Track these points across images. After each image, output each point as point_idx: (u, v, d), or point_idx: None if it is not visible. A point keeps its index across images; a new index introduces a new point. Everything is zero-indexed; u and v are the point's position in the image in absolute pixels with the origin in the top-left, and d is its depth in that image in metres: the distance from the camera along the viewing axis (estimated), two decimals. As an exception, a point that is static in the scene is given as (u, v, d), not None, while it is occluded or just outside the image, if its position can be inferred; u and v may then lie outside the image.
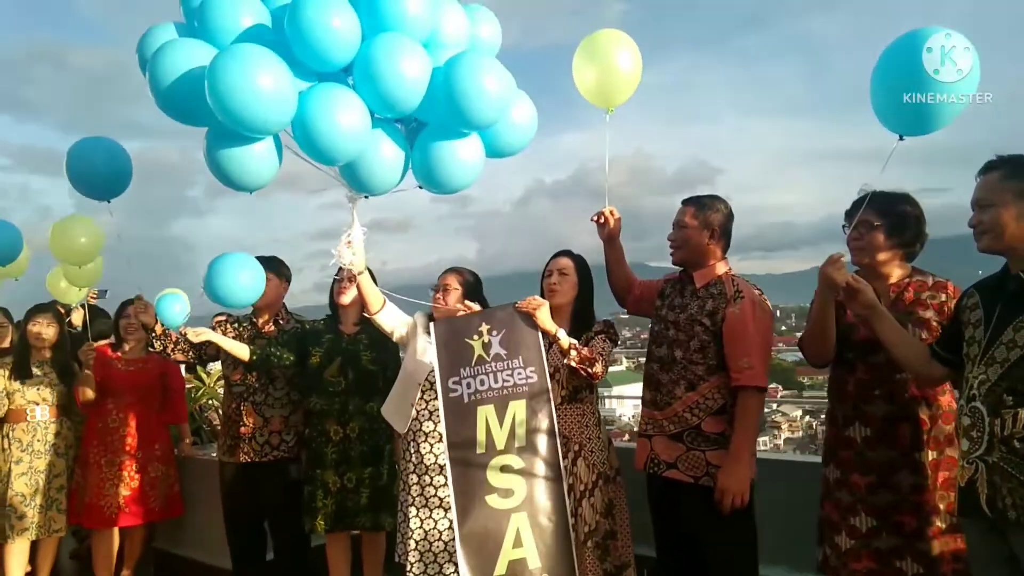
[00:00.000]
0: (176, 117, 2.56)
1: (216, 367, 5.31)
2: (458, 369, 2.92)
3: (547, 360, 2.96)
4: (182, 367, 4.93)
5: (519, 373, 2.91)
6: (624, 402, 20.10)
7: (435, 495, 3.29)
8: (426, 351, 3.34)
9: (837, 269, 2.49)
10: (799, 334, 3.02)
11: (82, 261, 4.31)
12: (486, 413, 2.87)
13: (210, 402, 5.57)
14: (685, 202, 3.06)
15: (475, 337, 2.96)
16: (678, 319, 2.98)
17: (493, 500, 2.80)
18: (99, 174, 3.26)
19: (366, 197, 2.94)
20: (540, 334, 2.96)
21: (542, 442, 2.87)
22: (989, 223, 2.18)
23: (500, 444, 2.84)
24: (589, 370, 2.96)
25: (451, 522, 3.17)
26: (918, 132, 2.38)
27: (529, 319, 2.96)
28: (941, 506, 2.50)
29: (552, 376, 2.99)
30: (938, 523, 2.50)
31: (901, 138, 2.39)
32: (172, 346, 3.98)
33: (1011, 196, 2.15)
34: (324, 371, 3.76)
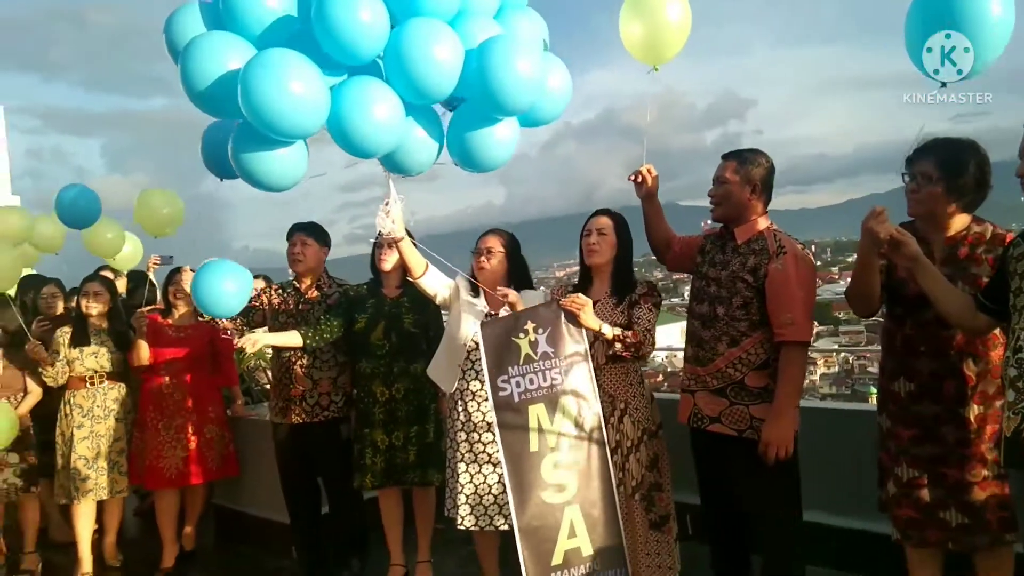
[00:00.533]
0: (212, 113, 2.58)
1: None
2: (507, 368, 2.96)
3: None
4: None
5: (567, 370, 2.96)
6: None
7: (484, 451, 3.38)
8: (469, 315, 3.40)
9: (880, 223, 2.45)
10: (834, 269, 3.00)
11: (163, 232, 4.50)
12: (537, 412, 2.93)
13: (258, 362, 5.72)
14: (726, 156, 3.04)
15: (521, 336, 2.98)
16: (720, 276, 2.99)
17: (548, 495, 2.90)
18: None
19: (402, 176, 2.97)
20: (584, 330, 2.99)
21: (592, 434, 2.95)
22: None
23: (552, 442, 2.92)
24: (637, 354, 3.01)
25: (500, 476, 3.29)
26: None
27: (571, 316, 2.97)
28: (989, 457, 2.52)
29: (596, 338, 3.03)
30: (984, 472, 2.52)
31: (943, 85, 2.35)
32: None
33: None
34: (370, 335, 3.86)
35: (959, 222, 2.60)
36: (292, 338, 3.89)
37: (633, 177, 3.27)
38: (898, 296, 2.68)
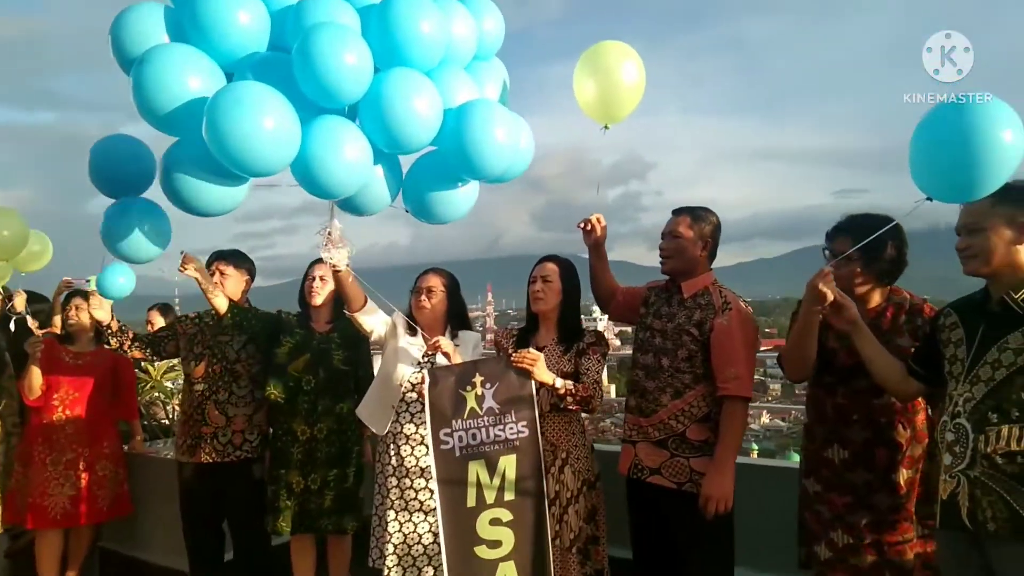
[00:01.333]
0: (163, 131, 2.42)
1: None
2: (450, 421, 2.92)
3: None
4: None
5: (511, 428, 2.94)
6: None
7: (415, 498, 3.26)
8: (406, 355, 3.30)
9: (827, 284, 2.50)
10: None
11: (9, 256, 4.13)
12: (477, 467, 2.91)
13: (157, 396, 5.37)
14: (677, 212, 3.09)
15: (468, 388, 2.95)
16: (665, 328, 3.03)
17: (482, 551, 2.89)
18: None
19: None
20: (533, 384, 2.96)
21: (530, 495, 2.92)
22: (978, 247, 2.24)
23: (490, 498, 2.90)
24: (587, 407, 3.01)
25: (431, 525, 3.18)
26: (954, 199, 2.26)
27: (522, 371, 2.94)
28: (915, 518, 2.62)
29: (541, 386, 3.00)
30: (913, 533, 2.62)
31: (929, 199, 2.27)
32: (129, 343, 3.85)
33: (1001, 221, 2.19)
34: (291, 363, 3.68)
35: (879, 295, 2.73)
36: (218, 300, 3.72)
37: (582, 225, 3.28)
38: (829, 365, 2.75)
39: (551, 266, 3.25)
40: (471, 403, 2.93)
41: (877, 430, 2.66)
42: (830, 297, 2.50)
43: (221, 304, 3.71)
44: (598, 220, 3.26)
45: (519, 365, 2.91)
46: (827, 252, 2.71)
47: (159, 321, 5.20)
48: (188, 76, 2.27)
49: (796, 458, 3.34)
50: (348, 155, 2.39)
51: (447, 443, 2.91)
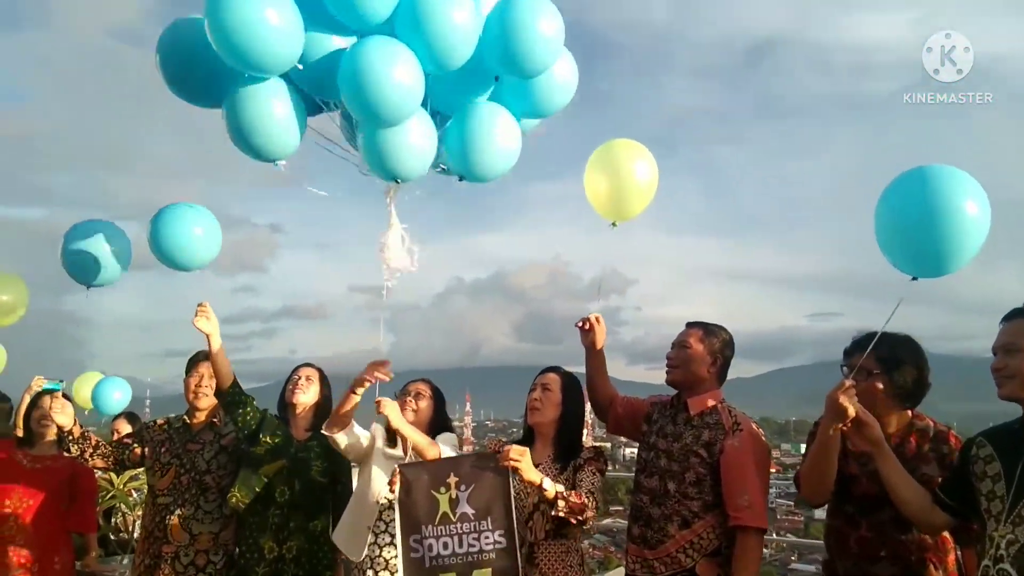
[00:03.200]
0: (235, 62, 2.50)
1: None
2: (420, 527, 2.70)
3: (530, 489, 2.73)
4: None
5: (486, 537, 2.68)
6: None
7: None
8: (384, 468, 3.08)
9: (849, 397, 2.32)
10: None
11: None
12: None
13: (119, 507, 4.99)
14: (690, 325, 2.96)
15: (442, 490, 2.73)
16: (671, 448, 2.81)
17: None
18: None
19: (397, 182, 2.84)
20: (512, 492, 2.72)
21: None
22: (1015, 369, 2.10)
23: None
24: (579, 518, 2.73)
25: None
26: (932, 274, 2.32)
27: (501, 472, 2.71)
28: None
29: (536, 508, 2.75)
30: None
31: (914, 278, 2.34)
32: (91, 450, 3.57)
33: None
34: (264, 464, 3.38)
35: (900, 419, 2.56)
36: (222, 367, 3.44)
37: (580, 324, 3.12)
38: (848, 494, 2.55)
39: (553, 376, 3.07)
40: (443, 507, 2.71)
41: (906, 568, 2.44)
42: (851, 412, 2.31)
43: (224, 377, 3.42)
44: (597, 319, 3.10)
45: (503, 462, 2.66)
46: (845, 369, 2.56)
47: (125, 430, 4.93)
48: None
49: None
50: (397, 74, 2.45)
51: (416, 551, 2.68)
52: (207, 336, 3.28)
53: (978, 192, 2.23)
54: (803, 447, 2.97)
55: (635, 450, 3.04)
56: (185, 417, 3.69)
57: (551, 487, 2.69)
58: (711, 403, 2.84)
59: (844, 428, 2.39)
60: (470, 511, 2.70)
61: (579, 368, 3.20)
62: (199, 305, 3.30)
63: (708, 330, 2.91)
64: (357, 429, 3.16)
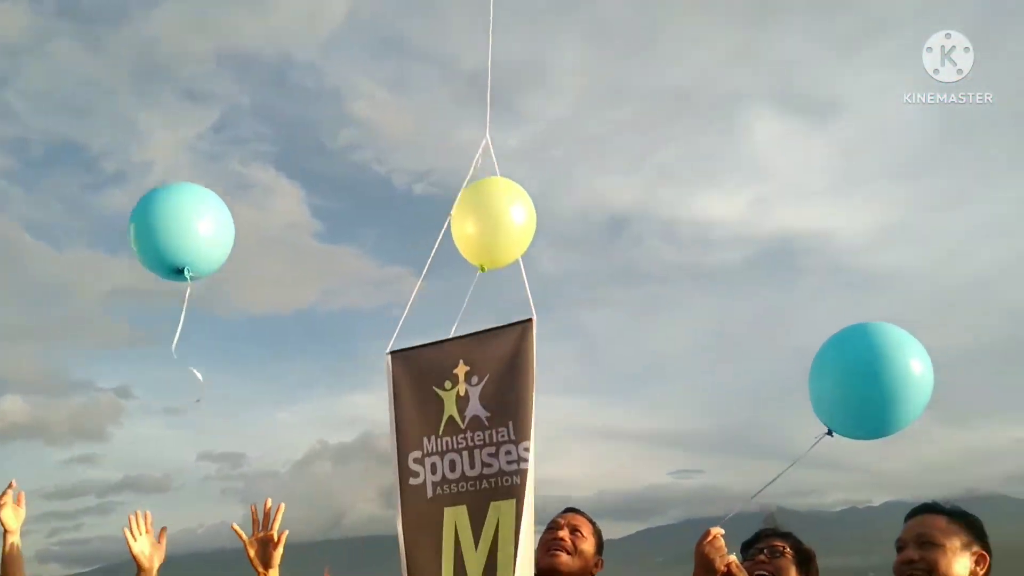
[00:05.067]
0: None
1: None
2: (421, 439, 1.92)
3: None
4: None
5: (507, 451, 1.87)
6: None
7: None
8: None
9: (716, 548, 2.18)
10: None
11: None
12: (455, 518, 1.87)
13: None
14: (574, 511, 2.50)
15: (447, 385, 1.92)
16: None
17: None
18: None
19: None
20: (534, 389, 1.92)
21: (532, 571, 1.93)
22: (932, 563, 1.98)
23: (474, 572, 1.87)
24: None
25: None
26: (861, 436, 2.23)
27: (525, 354, 1.91)
28: None
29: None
30: None
31: (829, 433, 2.25)
32: None
33: (959, 544, 2.00)
34: None
35: None
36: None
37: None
38: None
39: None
40: (450, 408, 1.92)
41: None
42: (719, 565, 2.14)
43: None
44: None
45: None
46: (765, 552, 2.41)
47: None
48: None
49: None
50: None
51: (417, 475, 1.91)
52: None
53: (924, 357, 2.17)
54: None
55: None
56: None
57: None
58: None
59: None
60: (483, 412, 1.89)
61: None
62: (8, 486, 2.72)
63: (595, 525, 2.47)
64: None
